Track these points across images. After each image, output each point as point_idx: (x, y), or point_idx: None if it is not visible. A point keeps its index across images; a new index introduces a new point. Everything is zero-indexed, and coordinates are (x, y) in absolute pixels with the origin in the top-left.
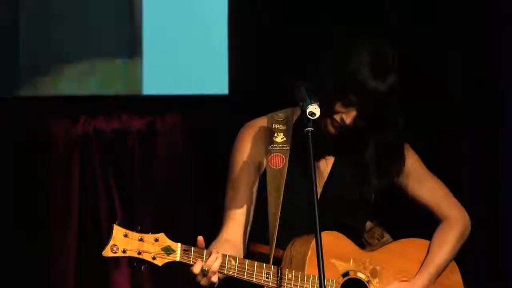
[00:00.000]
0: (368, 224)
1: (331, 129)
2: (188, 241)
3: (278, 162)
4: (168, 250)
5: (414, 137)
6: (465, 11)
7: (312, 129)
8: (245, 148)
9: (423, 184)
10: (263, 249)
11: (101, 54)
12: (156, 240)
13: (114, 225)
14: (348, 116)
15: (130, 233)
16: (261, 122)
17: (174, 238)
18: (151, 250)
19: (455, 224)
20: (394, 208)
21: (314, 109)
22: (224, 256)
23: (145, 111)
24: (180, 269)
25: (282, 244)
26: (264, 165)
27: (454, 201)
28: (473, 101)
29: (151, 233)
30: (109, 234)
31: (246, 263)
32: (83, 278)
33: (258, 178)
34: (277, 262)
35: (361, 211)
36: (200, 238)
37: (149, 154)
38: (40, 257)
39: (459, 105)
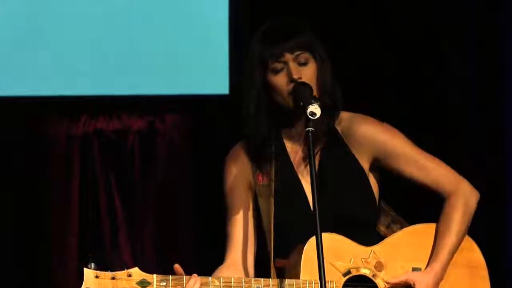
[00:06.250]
0: (387, 219)
1: (287, 100)
2: (187, 240)
3: (264, 178)
4: (143, 283)
5: (414, 137)
6: (465, 10)
7: (313, 129)
8: (234, 174)
9: (414, 164)
10: (280, 263)
11: None
12: (129, 275)
13: (84, 268)
14: (283, 77)
15: (101, 273)
16: (240, 145)
17: (174, 237)
18: (125, 286)
19: (457, 200)
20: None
21: (314, 109)
22: (205, 278)
23: (145, 111)
24: None
25: (286, 254)
26: (254, 184)
27: (451, 174)
28: (473, 101)
29: (126, 269)
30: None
31: (232, 280)
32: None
33: (253, 198)
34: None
35: (362, 197)
36: (177, 266)
37: (149, 154)
38: (40, 257)
39: (459, 105)
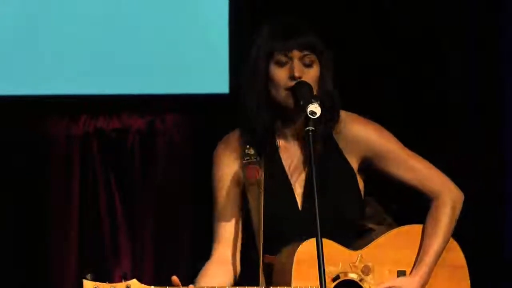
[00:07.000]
0: (370, 210)
1: (287, 100)
2: (187, 241)
3: (254, 173)
4: None
5: (414, 137)
6: (465, 10)
7: (313, 128)
8: (222, 166)
9: (402, 165)
10: (269, 259)
11: None
12: (128, 287)
13: (83, 280)
14: (286, 72)
15: (100, 284)
16: (233, 137)
17: (174, 238)
18: None
19: (444, 202)
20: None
21: (314, 108)
22: None
23: (145, 110)
24: None
25: (275, 253)
26: (243, 179)
27: (438, 176)
28: (473, 101)
29: (124, 281)
30: None
31: None
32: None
33: (241, 193)
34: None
35: (352, 198)
36: (174, 277)
37: (149, 154)
38: (40, 257)
39: (459, 105)
